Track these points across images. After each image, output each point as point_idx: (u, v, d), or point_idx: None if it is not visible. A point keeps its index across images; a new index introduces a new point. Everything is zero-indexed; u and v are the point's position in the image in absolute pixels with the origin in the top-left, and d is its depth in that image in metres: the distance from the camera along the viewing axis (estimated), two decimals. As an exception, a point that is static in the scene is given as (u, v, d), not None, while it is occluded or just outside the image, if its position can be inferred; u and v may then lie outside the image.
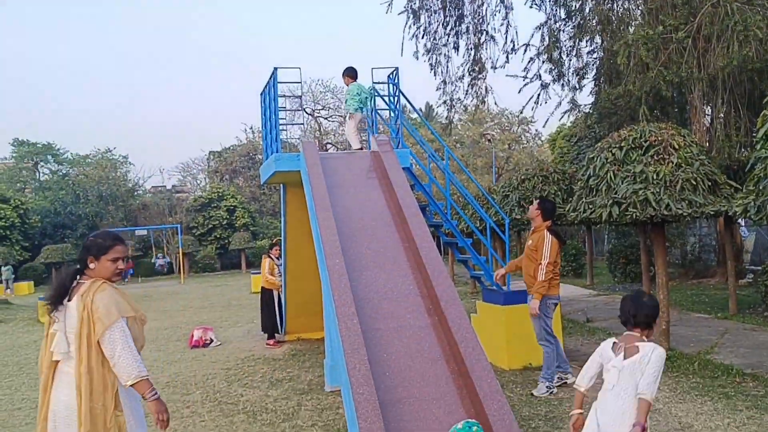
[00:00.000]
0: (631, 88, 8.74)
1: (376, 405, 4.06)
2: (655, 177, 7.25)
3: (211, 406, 7.04)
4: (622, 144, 7.68)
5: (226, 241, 37.48)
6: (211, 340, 11.21)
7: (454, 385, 4.50)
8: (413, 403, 4.35)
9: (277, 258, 11.11)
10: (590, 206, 7.73)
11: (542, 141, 47.34)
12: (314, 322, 10.00)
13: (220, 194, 38.68)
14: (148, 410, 3.54)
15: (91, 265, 3.47)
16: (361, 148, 8.85)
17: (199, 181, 50.87)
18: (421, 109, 27.33)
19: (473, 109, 13.50)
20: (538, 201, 7.14)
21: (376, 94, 9.26)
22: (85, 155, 47.12)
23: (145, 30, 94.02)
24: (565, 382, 6.83)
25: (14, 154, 48.55)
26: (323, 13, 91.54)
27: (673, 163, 7.31)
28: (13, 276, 30.56)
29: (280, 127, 8.65)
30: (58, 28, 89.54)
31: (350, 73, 9.12)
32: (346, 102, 9.11)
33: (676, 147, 7.42)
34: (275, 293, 11.00)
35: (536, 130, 49.51)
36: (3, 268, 29.81)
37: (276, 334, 10.94)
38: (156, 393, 3.51)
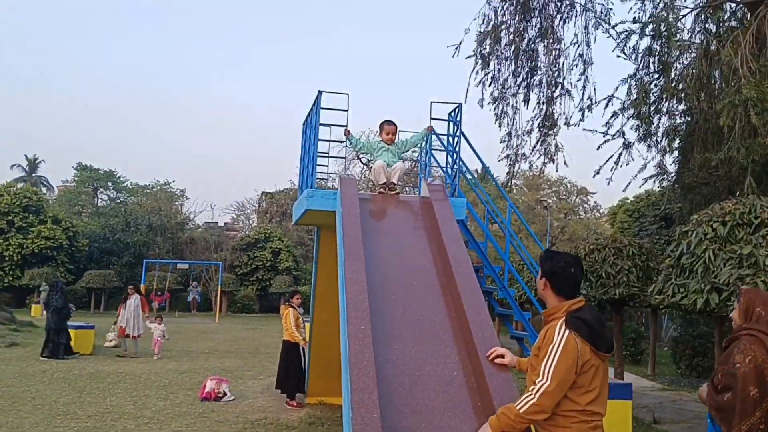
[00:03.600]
0: (734, 154, 7.42)
1: None
2: (767, 262, 5.87)
3: (198, 483, 5.85)
4: (726, 219, 6.34)
5: (268, 283, 36.66)
6: (225, 394, 10.07)
7: None
8: None
9: (299, 307, 10.17)
10: (681, 290, 6.34)
11: (601, 213, 45.52)
12: (340, 384, 8.76)
13: (267, 235, 38.09)
14: None
15: None
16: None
17: (251, 221, 50.76)
18: (476, 171, 25.92)
19: (540, 166, 12.27)
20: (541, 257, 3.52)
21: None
22: (144, 185, 47.69)
23: (214, 52, 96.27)
24: None
25: (76, 178, 49.56)
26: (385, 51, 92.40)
27: (790, 246, 5.94)
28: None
29: (321, 161, 7.62)
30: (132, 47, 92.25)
31: None
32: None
33: (796, 227, 6.05)
34: (301, 348, 9.96)
35: (595, 202, 48.02)
36: (41, 288, 29.41)
37: (296, 395, 9.78)
38: None
